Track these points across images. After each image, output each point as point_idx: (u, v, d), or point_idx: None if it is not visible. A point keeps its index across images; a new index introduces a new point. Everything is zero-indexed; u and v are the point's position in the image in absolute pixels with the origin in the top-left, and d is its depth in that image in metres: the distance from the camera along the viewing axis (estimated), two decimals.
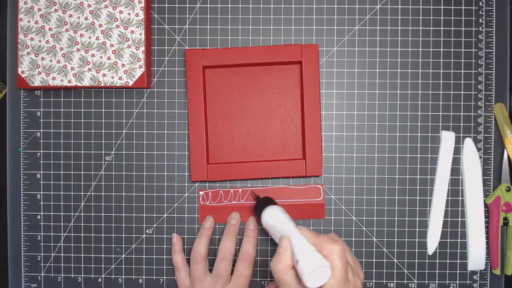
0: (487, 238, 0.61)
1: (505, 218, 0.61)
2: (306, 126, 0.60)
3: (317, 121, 0.60)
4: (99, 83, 0.60)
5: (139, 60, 0.60)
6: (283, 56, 0.59)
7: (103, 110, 0.63)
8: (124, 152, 0.63)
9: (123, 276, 0.63)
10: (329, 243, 0.47)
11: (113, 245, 0.63)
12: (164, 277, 0.63)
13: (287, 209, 0.62)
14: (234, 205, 0.62)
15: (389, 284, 0.62)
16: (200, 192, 0.62)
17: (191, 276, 0.59)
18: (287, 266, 0.47)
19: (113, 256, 0.63)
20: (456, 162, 0.62)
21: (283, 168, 0.60)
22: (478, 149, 0.62)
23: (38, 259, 0.63)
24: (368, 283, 0.62)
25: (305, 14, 0.62)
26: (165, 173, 0.62)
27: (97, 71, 0.60)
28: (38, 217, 0.63)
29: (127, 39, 0.59)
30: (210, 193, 0.62)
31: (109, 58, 0.60)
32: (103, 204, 0.63)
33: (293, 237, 0.48)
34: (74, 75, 0.60)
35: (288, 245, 0.48)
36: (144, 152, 0.62)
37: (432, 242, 0.61)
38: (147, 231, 0.63)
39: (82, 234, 0.63)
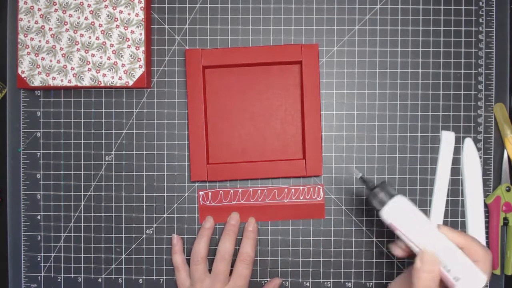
0: (487, 238, 0.61)
1: (505, 218, 0.61)
2: (306, 126, 0.60)
3: (317, 121, 0.60)
4: (99, 83, 0.60)
5: (139, 60, 0.60)
6: (283, 56, 0.59)
7: (103, 110, 0.63)
8: (124, 152, 0.63)
9: (123, 276, 0.63)
10: (481, 247, 0.44)
11: (113, 245, 0.63)
12: (164, 277, 0.63)
13: (287, 209, 0.62)
14: (234, 205, 0.62)
15: (389, 284, 0.62)
16: (200, 192, 0.62)
17: (191, 276, 0.59)
18: (437, 279, 0.43)
19: (113, 256, 0.63)
20: (456, 162, 0.62)
21: (283, 168, 0.60)
22: (478, 149, 0.62)
23: (38, 259, 0.63)
24: (368, 283, 0.62)
25: (305, 14, 0.62)
26: (165, 173, 0.62)
27: (97, 71, 0.60)
28: (38, 217, 0.63)
29: (127, 39, 0.59)
30: (210, 193, 0.62)
31: (109, 58, 0.60)
32: (103, 204, 0.63)
33: (437, 241, 0.44)
34: (74, 75, 0.60)
35: (435, 259, 0.43)
36: (144, 152, 0.62)
37: None
38: (147, 231, 0.63)
39: (82, 234, 0.63)
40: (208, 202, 0.62)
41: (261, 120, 0.62)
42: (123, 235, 0.63)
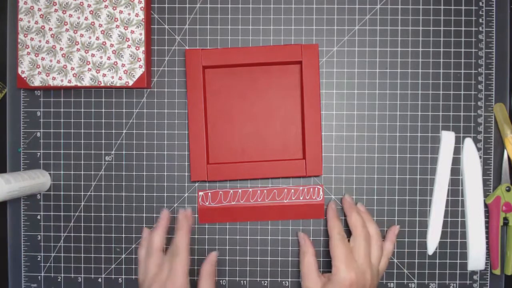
0: (487, 238, 0.61)
1: (505, 218, 0.61)
2: (306, 126, 0.60)
3: (317, 121, 0.60)
4: (99, 83, 0.60)
5: (139, 60, 0.60)
6: (283, 56, 0.59)
7: (103, 110, 0.63)
8: (124, 152, 0.63)
9: (123, 276, 0.63)
10: None
11: (113, 245, 0.63)
12: None
13: (287, 210, 0.62)
14: (234, 206, 0.62)
15: (389, 284, 0.62)
16: (200, 193, 0.62)
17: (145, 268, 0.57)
18: None
19: (113, 256, 0.63)
20: (456, 162, 0.62)
21: (283, 168, 0.60)
22: (478, 149, 0.62)
23: (38, 259, 0.63)
24: None
25: (305, 14, 0.62)
26: (165, 173, 0.62)
27: (97, 71, 0.60)
28: (38, 217, 0.63)
29: (127, 39, 0.59)
30: (209, 193, 0.62)
31: (109, 58, 0.60)
32: (103, 204, 0.63)
33: None
34: (74, 75, 0.60)
35: None
36: (144, 152, 0.62)
37: (432, 242, 0.61)
38: None
39: (82, 234, 0.63)
40: (207, 203, 0.62)
41: (261, 120, 0.62)
42: (123, 235, 0.63)
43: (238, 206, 0.62)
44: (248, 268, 0.62)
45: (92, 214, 0.63)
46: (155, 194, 0.62)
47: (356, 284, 0.53)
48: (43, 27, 0.60)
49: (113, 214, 0.63)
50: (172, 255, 0.55)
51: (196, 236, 0.62)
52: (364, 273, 0.54)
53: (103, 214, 0.63)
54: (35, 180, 0.59)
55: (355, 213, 0.57)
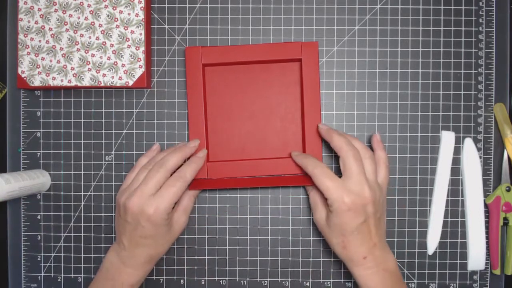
0: (487, 238, 0.61)
1: (505, 218, 0.61)
2: (306, 124, 0.60)
3: (317, 119, 0.60)
4: (99, 83, 0.60)
5: (139, 60, 0.60)
6: (283, 53, 0.59)
7: (103, 110, 0.63)
8: (124, 152, 0.63)
9: None
10: None
11: None
12: (164, 277, 0.63)
13: (283, 177, 0.60)
14: (227, 181, 0.61)
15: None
16: None
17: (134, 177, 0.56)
18: None
19: None
20: (456, 162, 0.62)
21: (283, 165, 0.60)
22: (478, 149, 0.62)
23: (38, 259, 0.63)
24: None
25: (305, 14, 0.62)
26: None
27: (97, 71, 0.60)
28: (38, 217, 0.63)
29: (127, 39, 0.60)
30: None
31: (109, 58, 0.60)
32: (103, 204, 0.63)
33: None
34: (74, 75, 0.60)
35: None
36: (144, 152, 0.62)
37: (432, 242, 0.61)
38: None
39: (82, 234, 0.63)
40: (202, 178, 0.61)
41: (261, 118, 0.62)
42: None
43: (233, 180, 0.60)
44: (248, 268, 0.63)
45: (92, 214, 0.63)
46: None
47: (353, 207, 0.51)
48: (43, 27, 0.60)
49: (113, 214, 0.63)
50: (175, 178, 0.54)
51: (196, 236, 0.62)
52: (360, 193, 0.51)
53: (103, 214, 0.63)
54: (35, 180, 0.59)
55: (335, 135, 0.54)
